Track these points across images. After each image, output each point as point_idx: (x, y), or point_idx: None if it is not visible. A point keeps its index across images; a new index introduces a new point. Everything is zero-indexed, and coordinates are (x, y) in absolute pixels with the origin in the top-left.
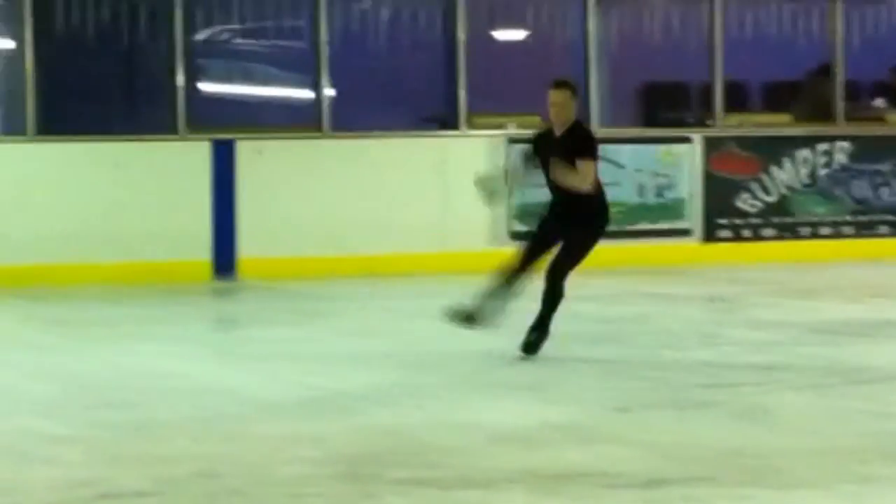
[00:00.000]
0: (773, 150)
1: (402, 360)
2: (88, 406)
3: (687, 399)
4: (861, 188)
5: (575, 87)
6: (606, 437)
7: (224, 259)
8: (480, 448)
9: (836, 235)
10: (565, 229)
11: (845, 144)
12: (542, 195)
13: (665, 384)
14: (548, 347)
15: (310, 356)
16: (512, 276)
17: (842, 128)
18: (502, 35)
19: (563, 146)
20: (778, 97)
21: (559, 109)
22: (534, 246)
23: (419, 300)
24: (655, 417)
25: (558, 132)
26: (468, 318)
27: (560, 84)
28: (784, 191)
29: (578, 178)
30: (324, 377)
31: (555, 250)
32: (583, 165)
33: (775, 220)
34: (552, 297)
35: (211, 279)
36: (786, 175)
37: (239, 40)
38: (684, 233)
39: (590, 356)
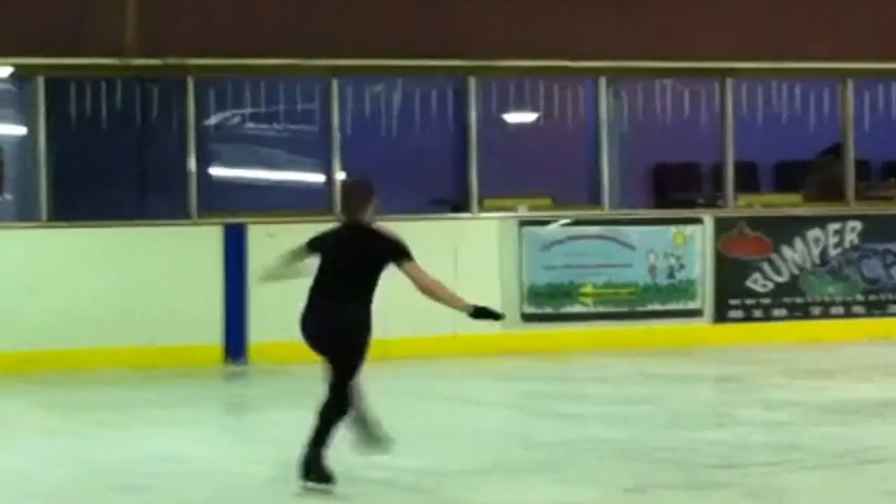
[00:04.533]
0: (784, 230)
1: (418, 442)
2: (101, 491)
3: (700, 479)
4: (872, 268)
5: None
6: None
7: (235, 343)
8: None
9: (848, 315)
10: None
11: (856, 224)
12: (551, 276)
13: (679, 464)
14: (563, 428)
15: None
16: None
17: (853, 207)
18: (513, 117)
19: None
20: (789, 177)
21: None
22: None
23: (431, 382)
24: (669, 498)
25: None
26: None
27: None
28: (795, 271)
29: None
30: (339, 461)
31: None
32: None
33: (786, 300)
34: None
35: (222, 363)
36: (797, 255)
37: (250, 125)
38: (695, 313)
39: (604, 437)
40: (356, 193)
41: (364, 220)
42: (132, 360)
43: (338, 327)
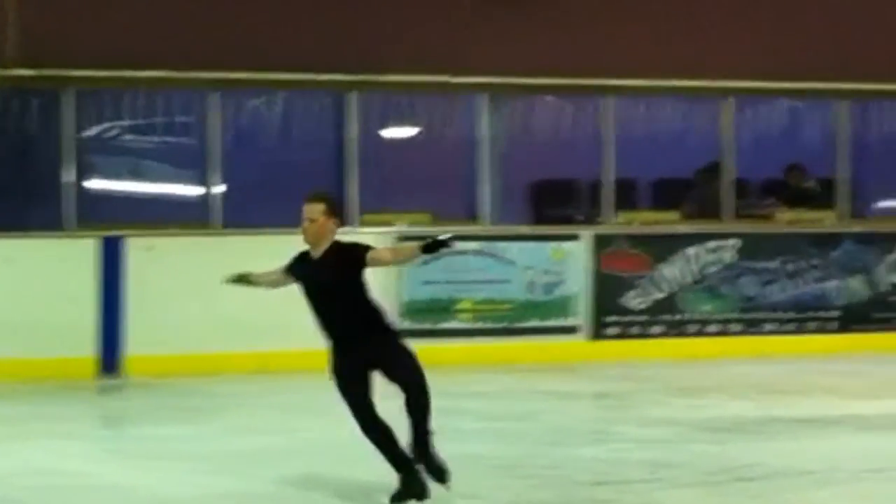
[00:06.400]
0: (662, 247)
1: (290, 457)
2: None
3: (577, 496)
4: (749, 286)
5: (332, 201)
6: None
7: (109, 356)
8: None
9: (724, 333)
10: (375, 352)
11: (734, 242)
12: (429, 291)
13: (555, 481)
14: (440, 444)
15: (200, 454)
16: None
17: (731, 225)
18: (393, 133)
19: (329, 266)
20: (667, 195)
21: (313, 227)
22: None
23: (307, 396)
24: None
25: (316, 254)
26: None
27: (314, 197)
28: (673, 288)
29: (392, 252)
30: (214, 475)
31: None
32: (379, 249)
33: (664, 317)
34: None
35: (96, 376)
36: (674, 272)
37: (129, 137)
38: (572, 330)
39: (480, 453)
40: None
41: None
42: (6, 372)
43: None
